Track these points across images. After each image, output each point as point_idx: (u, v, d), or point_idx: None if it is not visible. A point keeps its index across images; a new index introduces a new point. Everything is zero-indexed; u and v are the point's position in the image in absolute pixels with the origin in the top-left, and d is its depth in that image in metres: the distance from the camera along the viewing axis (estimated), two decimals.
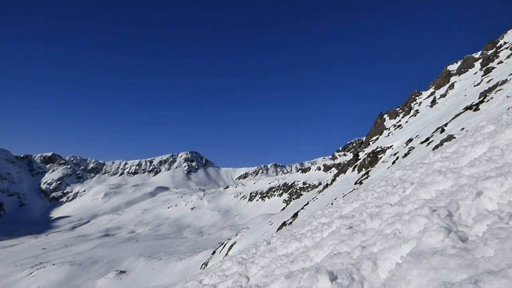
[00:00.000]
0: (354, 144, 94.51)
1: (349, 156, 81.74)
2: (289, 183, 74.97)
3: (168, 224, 67.53)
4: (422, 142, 13.42)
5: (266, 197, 75.59)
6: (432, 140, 11.91)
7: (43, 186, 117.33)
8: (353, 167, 22.53)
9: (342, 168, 26.94)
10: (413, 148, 13.67)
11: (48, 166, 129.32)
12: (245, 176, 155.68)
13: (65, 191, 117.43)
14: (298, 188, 70.60)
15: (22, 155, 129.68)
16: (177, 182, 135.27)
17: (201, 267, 26.22)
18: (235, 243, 22.82)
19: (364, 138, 43.53)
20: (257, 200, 76.25)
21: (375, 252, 2.69)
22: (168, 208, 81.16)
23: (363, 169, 19.05)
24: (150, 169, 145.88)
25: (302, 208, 18.49)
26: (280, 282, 3.23)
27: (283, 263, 4.13)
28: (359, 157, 24.04)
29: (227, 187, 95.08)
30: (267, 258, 5.18)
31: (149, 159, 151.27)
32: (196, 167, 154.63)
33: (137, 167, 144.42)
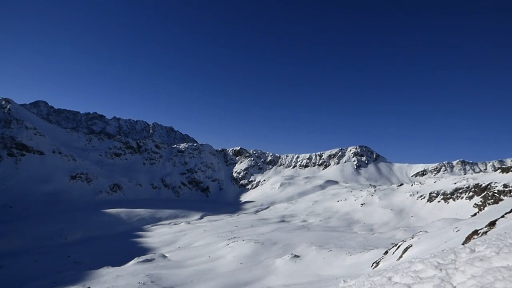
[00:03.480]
0: None
1: None
2: (483, 185, 60.84)
3: (337, 217, 68.37)
4: None
5: (451, 199, 64.12)
6: None
7: (234, 175, 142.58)
8: None
9: None
10: None
11: (237, 158, 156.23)
12: (423, 173, 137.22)
13: (249, 180, 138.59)
14: (495, 191, 56.22)
15: (219, 149, 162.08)
16: (346, 177, 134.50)
17: (372, 265, 25.39)
18: (411, 246, 20.86)
19: None
20: (439, 201, 65.83)
21: None
22: (338, 201, 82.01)
23: None
24: (319, 162, 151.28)
25: (503, 217, 14.87)
26: None
27: (506, 277, 3.71)
28: None
29: (401, 184, 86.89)
30: (477, 268, 4.73)
31: (318, 153, 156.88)
32: (366, 161, 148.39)
33: (307, 161, 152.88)
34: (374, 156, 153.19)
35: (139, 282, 28.96)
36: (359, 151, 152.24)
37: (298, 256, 34.88)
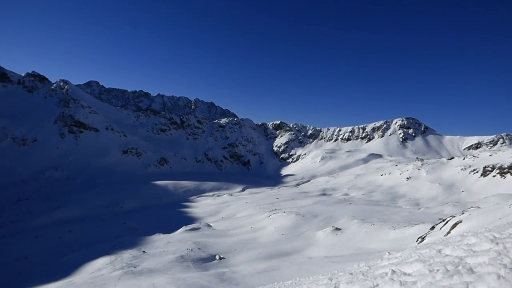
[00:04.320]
0: None
1: None
2: None
3: (381, 191, 66.62)
4: None
5: (508, 173, 59.00)
6: None
7: (275, 149, 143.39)
8: None
9: None
10: None
11: (277, 132, 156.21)
12: (477, 146, 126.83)
13: (290, 153, 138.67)
14: None
15: (259, 123, 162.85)
16: (390, 150, 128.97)
17: (417, 240, 24.75)
18: (460, 222, 19.89)
19: None
20: (494, 176, 60.88)
21: None
22: (381, 175, 79.54)
23: None
24: (362, 135, 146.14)
25: None
26: None
27: None
28: None
29: (452, 158, 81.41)
30: None
31: (361, 125, 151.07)
32: (413, 134, 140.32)
33: (350, 134, 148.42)
34: (422, 129, 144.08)
35: (187, 249, 31.21)
36: (405, 123, 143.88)
37: (340, 229, 34.98)
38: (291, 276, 15.66)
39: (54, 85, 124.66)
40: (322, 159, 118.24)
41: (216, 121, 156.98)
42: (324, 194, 69.54)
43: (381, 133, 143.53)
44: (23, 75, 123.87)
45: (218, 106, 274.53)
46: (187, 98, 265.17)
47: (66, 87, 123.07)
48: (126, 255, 30.15)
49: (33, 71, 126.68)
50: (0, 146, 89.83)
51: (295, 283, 8.62)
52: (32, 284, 25.77)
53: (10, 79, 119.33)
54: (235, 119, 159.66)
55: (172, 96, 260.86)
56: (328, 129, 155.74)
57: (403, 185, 68.31)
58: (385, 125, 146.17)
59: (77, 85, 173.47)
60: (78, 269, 28.69)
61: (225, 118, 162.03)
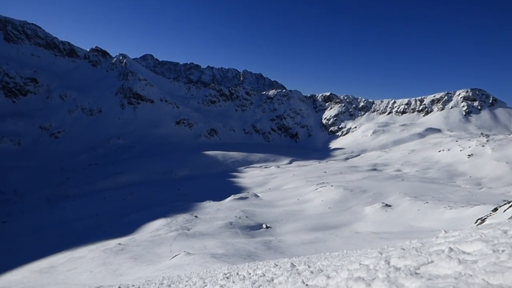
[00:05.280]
0: None
1: None
2: None
3: (437, 168, 62.39)
4: None
5: None
6: None
7: (324, 121, 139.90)
8: None
9: None
10: None
11: (327, 104, 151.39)
12: None
13: (339, 126, 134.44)
14: None
15: (308, 95, 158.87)
16: (451, 124, 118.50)
17: (476, 222, 23.08)
18: None
19: None
20: None
21: None
22: (439, 151, 74.08)
23: None
24: (420, 108, 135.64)
25: None
26: None
27: None
28: None
29: None
30: None
31: (419, 97, 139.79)
32: (479, 107, 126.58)
33: (405, 106, 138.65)
34: (490, 101, 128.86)
35: (235, 216, 32.74)
36: (470, 95, 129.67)
37: (390, 206, 33.87)
38: (337, 249, 15.75)
39: (114, 59, 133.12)
40: (373, 132, 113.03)
41: (264, 92, 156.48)
42: (374, 169, 67.16)
43: (441, 106, 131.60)
44: (88, 50, 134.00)
45: (267, 78, 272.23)
46: (236, 70, 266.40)
47: (124, 61, 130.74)
48: (180, 219, 32.60)
49: (96, 46, 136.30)
50: (72, 116, 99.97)
51: (342, 255, 8.66)
52: (103, 237, 29.27)
53: (77, 54, 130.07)
54: (284, 90, 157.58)
55: (221, 68, 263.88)
56: (382, 101, 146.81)
57: (463, 162, 63.08)
58: (446, 97, 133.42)
59: (134, 59, 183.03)
60: (139, 228, 31.82)
61: (273, 90, 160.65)
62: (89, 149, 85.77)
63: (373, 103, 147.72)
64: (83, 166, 73.14)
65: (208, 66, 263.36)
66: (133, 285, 9.39)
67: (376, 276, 3.23)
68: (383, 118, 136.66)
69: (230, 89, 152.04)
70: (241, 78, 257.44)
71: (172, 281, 8.76)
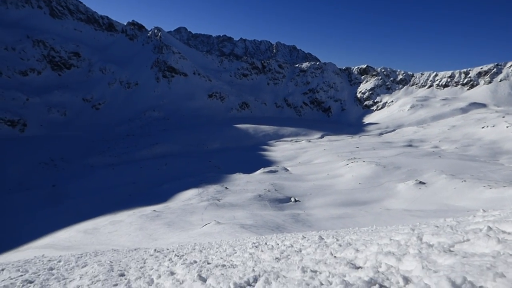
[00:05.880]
0: None
1: None
2: None
3: (479, 145, 58.64)
4: None
5: None
6: None
7: (358, 95, 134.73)
8: None
9: None
10: None
11: (362, 77, 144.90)
12: None
13: (375, 101, 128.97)
14: None
15: (344, 68, 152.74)
16: (499, 99, 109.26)
17: None
18: None
19: None
20: None
21: None
22: (482, 128, 69.24)
23: None
24: (464, 81, 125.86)
25: None
26: None
27: None
28: None
29: None
30: None
31: (464, 70, 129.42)
32: None
33: (448, 79, 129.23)
34: None
35: (264, 189, 33.30)
36: None
37: (424, 183, 32.68)
38: (366, 224, 15.62)
39: (150, 32, 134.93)
40: (411, 107, 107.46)
41: (297, 65, 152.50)
42: (410, 145, 64.54)
43: (488, 79, 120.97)
44: (125, 24, 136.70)
45: (300, 50, 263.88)
46: (269, 42, 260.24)
47: (159, 34, 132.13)
48: (211, 189, 33.75)
49: (132, 20, 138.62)
50: (111, 89, 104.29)
51: (372, 230, 8.59)
52: (140, 204, 31.21)
53: (115, 29, 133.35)
54: (317, 63, 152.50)
55: (254, 40, 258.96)
56: (422, 74, 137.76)
57: (509, 140, 58.65)
58: (495, 69, 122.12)
59: (168, 32, 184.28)
60: (172, 197, 33.45)
61: (307, 63, 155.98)
62: (127, 121, 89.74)
63: (412, 76, 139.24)
64: (121, 137, 77.00)
65: (241, 38, 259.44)
66: (168, 249, 10.02)
67: (407, 252, 3.16)
68: (422, 92, 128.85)
69: (262, 62, 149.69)
70: (274, 51, 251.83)
71: (203, 247, 9.23)
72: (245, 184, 36.40)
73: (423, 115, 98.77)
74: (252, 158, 60.03)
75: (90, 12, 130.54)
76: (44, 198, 39.06)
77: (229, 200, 29.26)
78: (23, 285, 4.99)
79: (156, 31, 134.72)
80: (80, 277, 5.43)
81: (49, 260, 8.62)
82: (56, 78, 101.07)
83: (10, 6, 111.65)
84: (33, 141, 66.05)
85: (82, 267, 6.76)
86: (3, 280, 5.56)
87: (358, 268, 3.21)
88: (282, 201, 30.09)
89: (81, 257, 9.08)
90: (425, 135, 75.08)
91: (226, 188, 34.70)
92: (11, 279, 5.60)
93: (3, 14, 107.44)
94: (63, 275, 5.84)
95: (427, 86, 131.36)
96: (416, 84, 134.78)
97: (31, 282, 5.21)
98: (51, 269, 6.65)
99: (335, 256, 4.10)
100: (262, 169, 46.08)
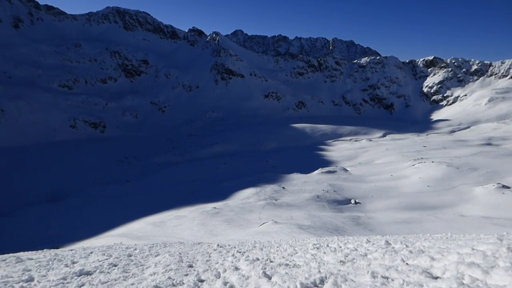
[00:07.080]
0: None
1: None
2: None
3: None
4: None
5: None
6: None
7: (425, 90, 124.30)
8: None
9: None
10: None
11: (429, 70, 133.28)
12: None
13: (445, 95, 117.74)
14: None
15: (407, 61, 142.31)
16: None
17: None
18: None
19: None
20: None
21: None
22: None
23: None
24: None
25: None
26: None
27: None
28: None
29: None
30: None
31: None
32: None
33: None
34: None
35: (323, 190, 32.57)
36: None
37: (508, 187, 28.88)
38: (436, 231, 14.35)
39: (208, 37, 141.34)
40: (489, 100, 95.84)
41: (355, 61, 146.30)
42: (489, 144, 57.63)
43: None
44: (186, 31, 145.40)
45: (358, 45, 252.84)
46: (325, 39, 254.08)
47: (217, 38, 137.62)
48: (269, 189, 34.07)
49: (193, 27, 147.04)
50: (175, 92, 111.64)
51: (447, 237, 7.85)
52: (201, 201, 32.83)
53: (178, 36, 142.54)
54: (378, 57, 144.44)
55: (309, 37, 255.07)
56: (503, 63, 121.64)
57: None
58: None
59: (225, 35, 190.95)
60: (231, 195, 34.53)
61: (366, 57, 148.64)
62: (189, 122, 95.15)
63: (490, 65, 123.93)
64: (184, 137, 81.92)
65: (296, 37, 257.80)
66: (229, 245, 10.38)
67: (496, 264, 2.83)
68: (503, 83, 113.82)
69: (318, 59, 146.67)
70: (331, 47, 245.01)
71: (263, 245, 9.36)
72: (303, 184, 36.02)
73: (504, 110, 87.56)
74: (309, 158, 59.17)
75: (156, 23, 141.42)
76: (119, 192, 43.35)
77: (286, 200, 29.24)
78: (109, 267, 5.72)
79: (214, 35, 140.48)
80: (155, 265, 5.94)
81: (127, 248, 9.54)
82: (129, 84, 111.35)
83: (93, 23, 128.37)
84: (111, 141, 73.73)
85: (155, 256, 7.37)
86: (93, 262, 6.41)
87: (436, 278, 2.97)
88: (341, 203, 29.12)
89: (153, 247, 9.87)
90: (508, 132, 66.42)
91: (283, 188, 34.74)
92: (99, 261, 6.44)
93: (88, 31, 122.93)
94: (140, 261, 6.47)
95: (508, 76, 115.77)
96: (495, 74, 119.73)
97: (115, 265, 5.92)
98: (130, 255, 7.40)
99: (407, 263, 3.84)
100: (320, 169, 45.13)
